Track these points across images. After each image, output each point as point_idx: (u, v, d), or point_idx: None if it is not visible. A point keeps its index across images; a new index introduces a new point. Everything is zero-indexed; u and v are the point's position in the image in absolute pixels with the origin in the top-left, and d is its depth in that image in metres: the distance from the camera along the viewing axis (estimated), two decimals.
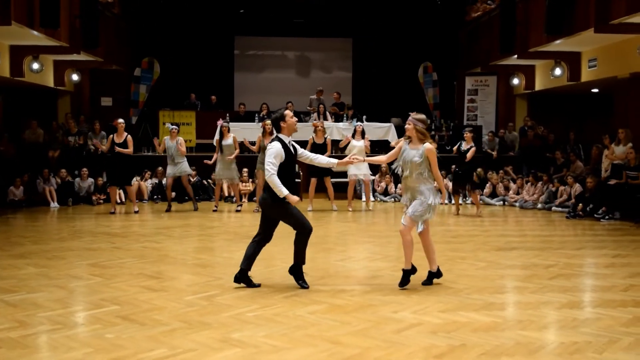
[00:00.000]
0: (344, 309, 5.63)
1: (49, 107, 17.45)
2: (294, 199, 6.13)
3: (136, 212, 12.90)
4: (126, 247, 8.88)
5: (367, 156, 6.42)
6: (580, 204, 12.68)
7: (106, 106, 18.48)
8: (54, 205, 14.22)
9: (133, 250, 8.59)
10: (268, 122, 12.66)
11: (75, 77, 16.72)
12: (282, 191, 6.08)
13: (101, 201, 14.71)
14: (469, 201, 15.05)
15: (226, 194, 15.22)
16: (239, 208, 13.39)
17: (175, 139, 13.17)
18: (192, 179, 14.88)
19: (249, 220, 11.91)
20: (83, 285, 6.60)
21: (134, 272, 7.12)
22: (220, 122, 13.54)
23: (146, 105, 18.85)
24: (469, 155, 12.48)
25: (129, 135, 12.76)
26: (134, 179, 14.88)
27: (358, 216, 12.93)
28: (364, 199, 14.61)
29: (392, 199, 15.61)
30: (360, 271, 7.15)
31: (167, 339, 4.79)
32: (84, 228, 10.97)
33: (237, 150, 13.18)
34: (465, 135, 12.81)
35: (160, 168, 15.50)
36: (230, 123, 16.39)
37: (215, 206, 13.53)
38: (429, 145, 6.25)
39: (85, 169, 14.95)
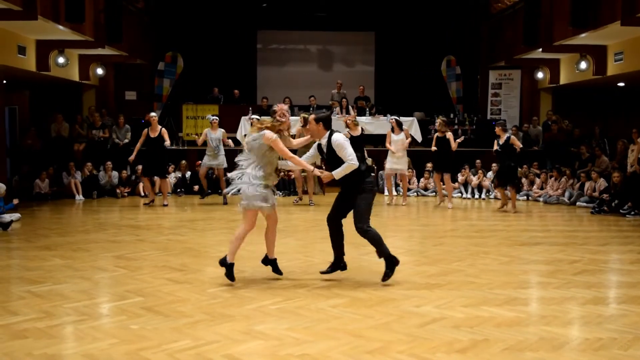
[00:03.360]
0: (366, 303, 5.63)
1: (74, 101, 17.63)
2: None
3: (165, 205, 12.95)
4: (150, 239, 8.96)
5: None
6: (605, 196, 12.54)
7: (130, 100, 18.62)
8: (79, 198, 14.39)
9: (157, 243, 8.67)
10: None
11: (99, 71, 16.86)
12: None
13: (125, 194, 14.85)
14: (492, 196, 14.96)
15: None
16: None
17: (217, 129, 13.22)
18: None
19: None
20: (108, 277, 6.68)
21: (158, 265, 7.19)
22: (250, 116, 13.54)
23: (170, 99, 18.96)
24: (517, 143, 12.21)
25: (163, 128, 12.87)
26: None
27: (380, 210, 12.90)
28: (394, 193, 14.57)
29: (415, 193, 15.57)
30: (382, 265, 7.12)
31: (191, 330, 4.83)
32: (108, 221, 11.08)
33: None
34: (496, 130, 12.48)
35: (184, 162, 15.61)
36: (253, 116, 16.54)
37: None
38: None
39: (109, 163, 15.09)
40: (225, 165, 13.52)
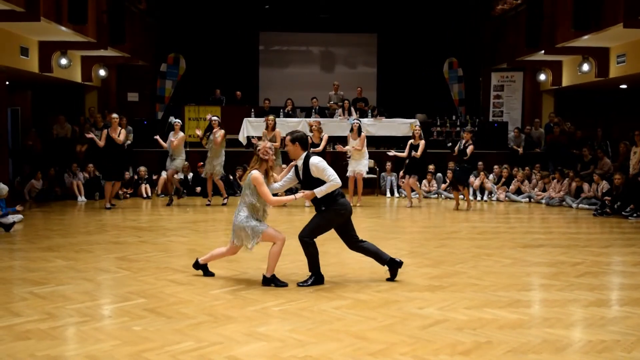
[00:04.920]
0: (369, 305, 5.63)
1: (76, 103, 17.65)
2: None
3: (108, 208, 12.71)
4: (152, 241, 8.97)
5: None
6: (607, 198, 12.55)
7: (132, 101, 18.63)
8: (82, 199, 14.38)
9: (159, 244, 8.67)
10: (271, 117, 12.98)
11: (102, 72, 16.86)
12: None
13: (128, 195, 14.84)
14: (494, 198, 14.95)
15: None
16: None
17: (179, 132, 13.46)
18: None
19: (273, 216, 11.94)
20: (110, 278, 6.68)
21: (160, 266, 7.19)
22: (209, 117, 13.50)
23: (172, 100, 18.99)
24: (469, 151, 12.87)
25: (123, 130, 12.92)
26: (162, 173, 15.03)
27: (382, 212, 12.90)
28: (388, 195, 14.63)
29: (416, 196, 15.54)
30: (383, 266, 7.11)
31: (194, 332, 4.84)
32: (110, 222, 11.08)
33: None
34: (464, 135, 13.24)
35: (186, 163, 15.57)
36: (255, 118, 16.55)
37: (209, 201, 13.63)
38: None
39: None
40: (179, 168, 13.84)
